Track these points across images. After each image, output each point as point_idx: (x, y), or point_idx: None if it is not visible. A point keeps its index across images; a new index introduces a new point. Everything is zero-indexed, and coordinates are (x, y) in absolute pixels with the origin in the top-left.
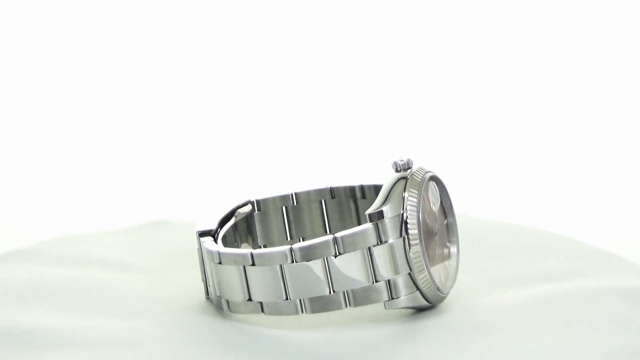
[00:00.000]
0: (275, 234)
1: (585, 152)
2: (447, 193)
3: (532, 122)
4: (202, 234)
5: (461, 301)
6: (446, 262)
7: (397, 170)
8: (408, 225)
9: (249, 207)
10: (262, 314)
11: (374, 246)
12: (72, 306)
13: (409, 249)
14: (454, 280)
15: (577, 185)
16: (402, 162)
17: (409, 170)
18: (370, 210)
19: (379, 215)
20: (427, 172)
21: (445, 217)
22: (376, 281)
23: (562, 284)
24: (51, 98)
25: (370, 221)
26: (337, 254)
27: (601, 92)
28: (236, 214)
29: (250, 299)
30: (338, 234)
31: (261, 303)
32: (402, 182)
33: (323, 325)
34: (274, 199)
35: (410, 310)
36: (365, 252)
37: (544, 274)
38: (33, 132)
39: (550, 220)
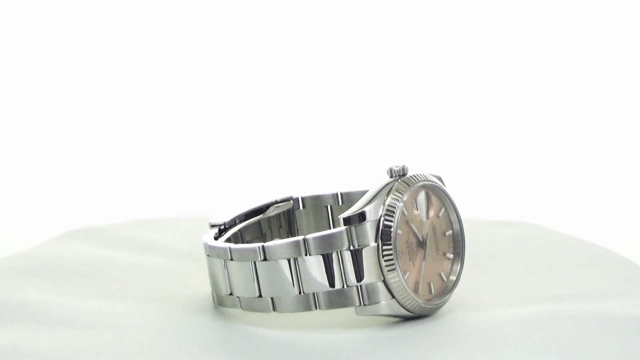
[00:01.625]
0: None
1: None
2: (452, 204)
3: (543, 123)
4: (213, 225)
5: (454, 314)
6: (442, 274)
7: (391, 176)
8: (382, 231)
9: (289, 204)
10: (240, 309)
11: (346, 250)
12: (84, 286)
13: (382, 255)
14: (450, 292)
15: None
16: (397, 169)
17: (400, 177)
18: (346, 213)
19: (353, 219)
20: (421, 181)
21: (450, 228)
22: (347, 286)
23: (568, 306)
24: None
25: (345, 224)
26: (307, 255)
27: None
28: (270, 209)
29: (231, 294)
30: (308, 236)
31: (239, 298)
32: (388, 187)
33: (302, 325)
34: (320, 197)
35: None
36: (337, 255)
37: (557, 293)
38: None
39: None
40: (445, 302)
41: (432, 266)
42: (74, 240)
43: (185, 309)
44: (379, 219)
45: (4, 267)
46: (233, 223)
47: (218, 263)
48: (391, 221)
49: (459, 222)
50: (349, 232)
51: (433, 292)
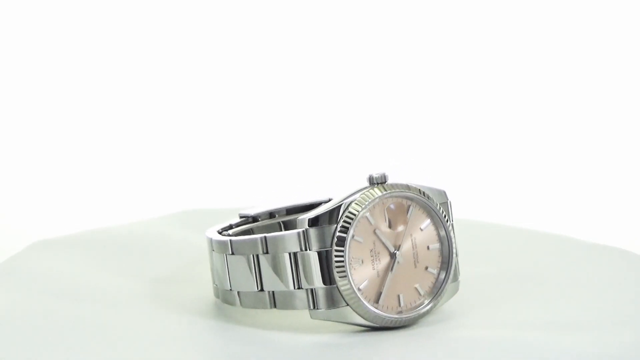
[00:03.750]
0: None
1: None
2: (439, 218)
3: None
4: (242, 216)
5: (426, 329)
6: (418, 287)
7: (370, 183)
8: (337, 236)
9: None
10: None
11: (301, 252)
12: (120, 264)
13: (334, 260)
14: (429, 306)
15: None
16: (377, 176)
17: (378, 185)
18: (308, 215)
19: (313, 221)
20: (397, 191)
21: (437, 242)
22: (299, 287)
23: (543, 335)
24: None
25: (310, 225)
26: (266, 253)
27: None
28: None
29: (216, 284)
30: (268, 234)
31: (219, 289)
32: (358, 193)
33: (263, 324)
34: None
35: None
36: (291, 256)
37: (562, 320)
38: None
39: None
40: (422, 315)
41: (405, 278)
42: (172, 221)
43: (190, 297)
44: (337, 224)
45: (69, 241)
46: (267, 217)
47: (208, 253)
48: (347, 227)
49: (448, 238)
50: (305, 234)
51: (402, 304)
